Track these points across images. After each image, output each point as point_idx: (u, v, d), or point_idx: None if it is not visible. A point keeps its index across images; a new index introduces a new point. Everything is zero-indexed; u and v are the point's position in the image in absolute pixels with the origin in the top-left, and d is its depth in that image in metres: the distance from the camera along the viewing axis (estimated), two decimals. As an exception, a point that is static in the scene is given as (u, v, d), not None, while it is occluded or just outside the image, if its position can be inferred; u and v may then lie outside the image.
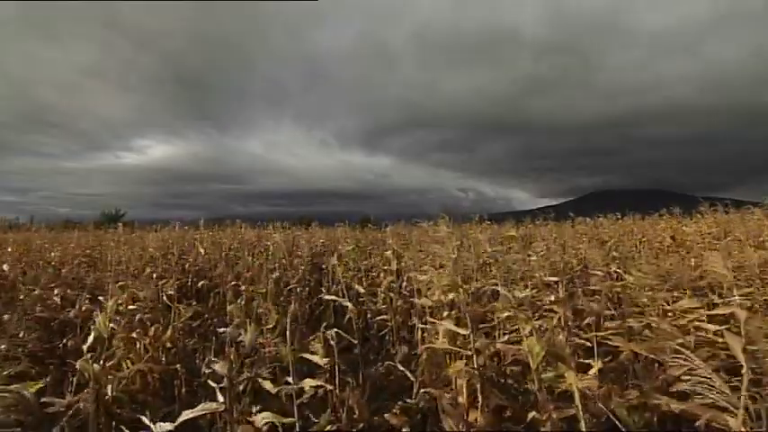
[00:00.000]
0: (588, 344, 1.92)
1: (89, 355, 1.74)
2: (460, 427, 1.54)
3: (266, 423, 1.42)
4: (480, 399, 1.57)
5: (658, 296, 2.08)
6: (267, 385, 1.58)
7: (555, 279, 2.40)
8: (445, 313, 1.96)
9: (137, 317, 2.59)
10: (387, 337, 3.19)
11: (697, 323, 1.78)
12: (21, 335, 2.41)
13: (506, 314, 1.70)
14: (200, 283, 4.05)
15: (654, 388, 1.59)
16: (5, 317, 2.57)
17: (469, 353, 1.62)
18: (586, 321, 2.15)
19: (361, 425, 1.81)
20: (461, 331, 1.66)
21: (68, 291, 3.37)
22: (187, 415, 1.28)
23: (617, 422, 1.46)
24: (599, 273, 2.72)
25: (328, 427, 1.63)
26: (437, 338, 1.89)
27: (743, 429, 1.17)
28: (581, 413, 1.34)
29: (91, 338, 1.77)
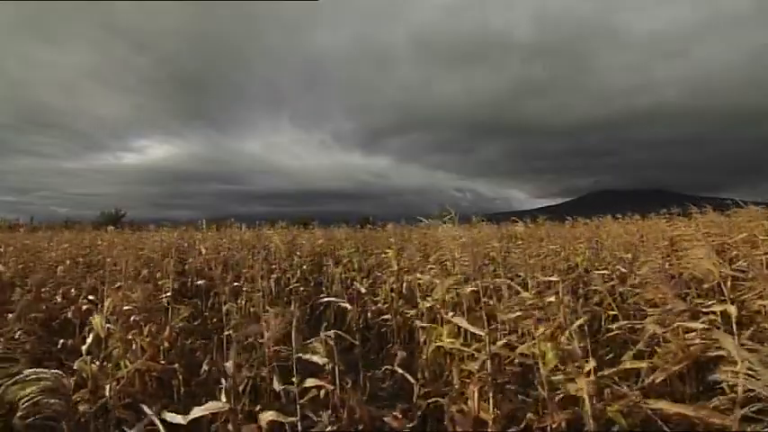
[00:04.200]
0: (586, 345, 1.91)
1: (87, 356, 1.73)
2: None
3: (270, 422, 1.41)
4: (492, 405, 1.54)
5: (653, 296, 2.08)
6: (273, 384, 1.56)
7: (556, 279, 2.38)
8: (450, 314, 1.93)
9: (133, 317, 2.57)
10: (387, 338, 3.18)
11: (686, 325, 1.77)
12: (17, 335, 2.39)
13: (516, 314, 1.65)
14: (199, 283, 4.03)
15: (651, 389, 1.59)
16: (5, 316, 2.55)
17: (475, 353, 1.59)
18: (582, 321, 2.14)
19: (362, 426, 1.79)
20: (478, 331, 1.62)
21: (68, 291, 3.35)
22: (197, 413, 1.27)
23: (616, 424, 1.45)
24: (600, 273, 2.72)
25: (329, 427, 1.62)
26: (441, 339, 1.86)
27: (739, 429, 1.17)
28: (590, 418, 1.33)
29: (90, 339, 1.76)
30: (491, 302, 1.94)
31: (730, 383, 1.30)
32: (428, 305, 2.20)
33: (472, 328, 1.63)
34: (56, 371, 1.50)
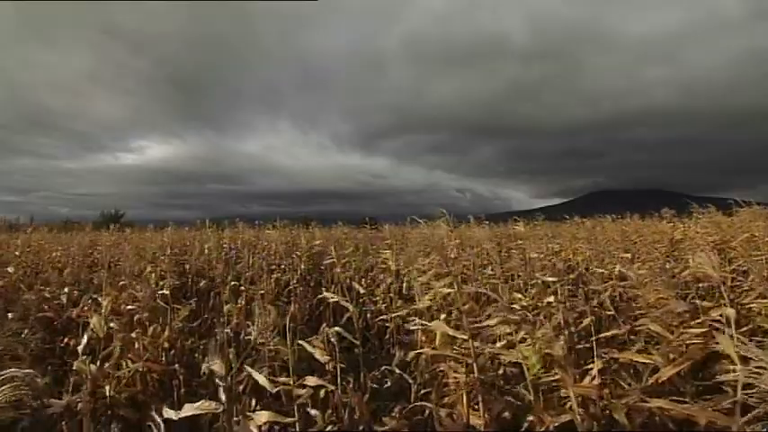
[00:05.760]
0: (588, 345, 1.91)
1: (85, 356, 1.74)
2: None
3: (266, 423, 1.41)
4: (481, 407, 1.53)
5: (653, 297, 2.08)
6: (267, 384, 1.57)
7: (554, 279, 2.39)
8: (443, 316, 1.93)
9: (135, 317, 2.58)
10: (387, 338, 3.19)
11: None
12: (23, 334, 2.41)
13: (496, 320, 1.63)
14: (200, 283, 4.05)
15: (652, 390, 1.59)
16: (9, 315, 2.57)
17: (468, 359, 1.58)
18: (587, 322, 2.14)
19: (362, 426, 1.80)
20: (459, 335, 1.62)
21: (73, 291, 3.37)
22: (186, 411, 1.28)
23: (616, 424, 1.45)
24: (600, 273, 2.71)
25: (329, 428, 1.63)
26: (431, 343, 1.86)
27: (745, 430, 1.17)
28: (578, 418, 1.33)
29: (85, 339, 1.77)
30: (487, 303, 1.94)
31: (733, 383, 1.30)
32: (425, 306, 2.20)
33: (451, 332, 1.62)
34: (29, 370, 1.51)
